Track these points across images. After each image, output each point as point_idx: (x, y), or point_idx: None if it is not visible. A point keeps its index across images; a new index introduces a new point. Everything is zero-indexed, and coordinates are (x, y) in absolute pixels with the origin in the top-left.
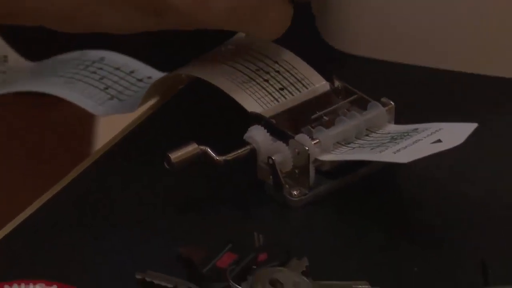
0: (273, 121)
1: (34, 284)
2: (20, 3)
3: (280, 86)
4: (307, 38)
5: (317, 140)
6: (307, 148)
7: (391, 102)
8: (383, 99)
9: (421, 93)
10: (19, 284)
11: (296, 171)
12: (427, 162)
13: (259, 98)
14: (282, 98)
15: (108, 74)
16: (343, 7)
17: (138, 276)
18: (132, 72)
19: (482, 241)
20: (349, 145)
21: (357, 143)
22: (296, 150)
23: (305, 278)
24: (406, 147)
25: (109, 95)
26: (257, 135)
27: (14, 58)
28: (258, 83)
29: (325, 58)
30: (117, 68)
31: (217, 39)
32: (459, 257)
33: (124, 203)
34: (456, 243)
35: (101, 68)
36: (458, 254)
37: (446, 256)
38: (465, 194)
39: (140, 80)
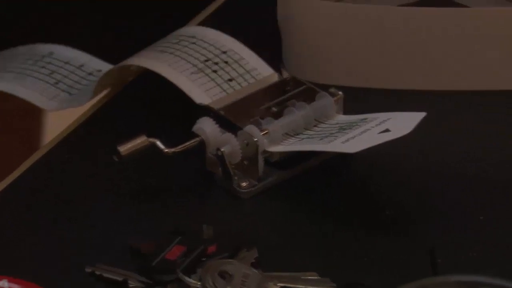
0: (222, 112)
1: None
2: None
3: (229, 77)
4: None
5: (266, 131)
6: (255, 139)
7: (339, 92)
8: (332, 90)
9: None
10: None
11: (245, 162)
12: (377, 151)
13: (207, 90)
14: (231, 89)
15: (58, 69)
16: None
17: (88, 270)
18: (81, 66)
19: (432, 229)
20: (298, 136)
21: (306, 134)
22: (245, 141)
23: (255, 270)
24: (354, 137)
25: (59, 89)
26: (206, 127)
27: None
28: (206, 74)
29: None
30: (67, 62)
31: (166, 30)
32: (408, 246)
33: (74, 196)
34: (405, 232)
35: (50, 63)
36: (407, 243)
37: (395, 245)
38: (414, 182)
39: (90, 74)
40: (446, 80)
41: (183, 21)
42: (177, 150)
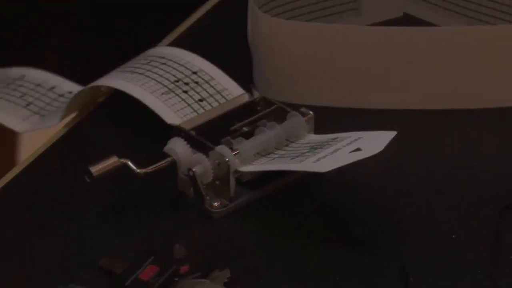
0: (193, 132)
1: None
2: None
3: (200, 98)
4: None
5: (237, 151)
6: (227, 159)
7: (310, 112)
8: (302, 109)
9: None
10: None
11: (217, 182)
12: (348, 170)
13: (178, 110)
14: (202, 109)
15: (29, 91)
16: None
17: None
18: (53, 88)
19: (404, 247)
20: (269, 156)
21: (277, 153)
22: (216, 161)
23: None
24: (325, 156)
25: (30, 111)
26: (177, 147)
27: None
28: (177, 95)
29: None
30: (38, 85)
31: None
32: (381, 264)
33: (45, 216)
34: (378, 250)
35: (22, 85)
36: (380, 261)
37: (368, 264)
38: (385, 201)
39: (61, 95)
40: (416, 99)
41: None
42: (148, 171)
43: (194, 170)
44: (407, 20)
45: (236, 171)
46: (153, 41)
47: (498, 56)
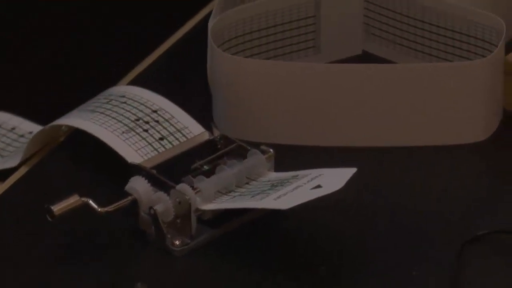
0: (154, 171)
1: None
2: None
3: (160, 136)
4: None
5: (198, 189)
6: (188, 197)
7: (270, 150)
8: (263, 147)
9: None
10: None
11: (178, 220)
12: (308, 207)
13: (139, 149)
14: (162, 148)
15: None
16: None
17: None
18: (13, 128)
19: (365, 284)
20: (230, 194)
21: (238, 191)
22: (177, 199)
23: None
24: (286, 193)
25: None
26: (138, 186)
27: None
28: (137, 133)
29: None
30: None
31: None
32: None
33: (7, 253)
34: (340, 286)
35: None
36: None
37: None
38: (346, 237)
39: (22, 136)
40: (376, 136)
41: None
42: (109, 210)
43: (155, 208)
44: (366, 57)
45: (197, 210)
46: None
47: (446, 94)
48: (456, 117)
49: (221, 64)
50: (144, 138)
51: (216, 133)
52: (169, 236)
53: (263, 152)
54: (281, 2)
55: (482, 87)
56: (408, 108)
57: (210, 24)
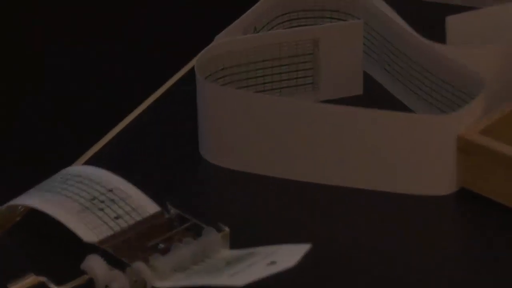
0: (110, 250)
1: None
2: None
3: (115, 215)
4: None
5: (154, 268)
6: (143, 276)
7: (226, 228)
8: (218, 225)
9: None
10: None
11: None
12: (263, 283)
13: (95, 228)
14: (118, 226)
15: None
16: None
17: None
18: None
19: None
20: (186, 271)
21: (194, 269)
22: (134, 278)
23: None
24: (241, 270)
25: None
26: (94, 265)
27: None
28: (93, 213)
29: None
30: None
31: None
32: None
33: None
34: None
35: None
36: None
37: None
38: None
39: None
40: (349, 177)
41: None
42: None
43: (111, 287)
44: (366, 98)
45: None
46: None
47: (415, 144)
48: (423, 168)
49: (206, 95)
50: (100, 217)
51: (172, 211)
52: None
53: (219, 229)
54: (280, 37)
55: (450, 142)
56: (380, 154)
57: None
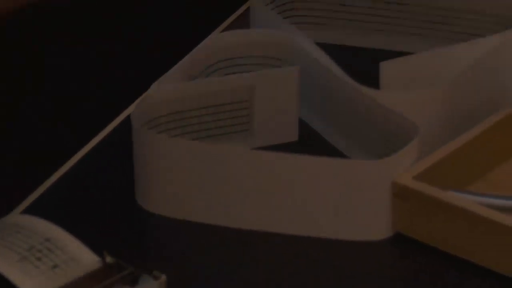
0: None
1: None
2: None
3: (53, 264)
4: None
5: None
6: None
7: (163, 275)
8: (155, 273)
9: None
10: None
11: None
12: None
13: (33, 277)
14: (56, 275)
15: None
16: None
17: None
18: None
19: None
20: None
21: None
22: None
23: None
24: None
25: None
26: None
27: None
28: (31, 262)
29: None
30: None
31: None
32: None
33: None
34: None
35: None
36: None
37: None
38: None
39: None
40: (281, 223)
41: None
42: None
43: None
44: (303, 145)
45: None
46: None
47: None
48: (358, 214)
49: (143, 143)
50: (37, 267)
51: (109, 259)
52: None
53: (155, 277)
54: (216, 85)
55: (385, 187)
56: (315, 200)
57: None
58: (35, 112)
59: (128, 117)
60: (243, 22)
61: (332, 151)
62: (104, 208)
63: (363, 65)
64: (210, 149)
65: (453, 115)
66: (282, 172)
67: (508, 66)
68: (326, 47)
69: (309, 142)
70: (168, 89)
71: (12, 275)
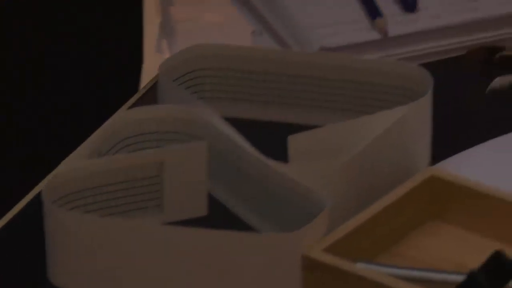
0: None
1: None
2: None
3: None
4: None
5: None
6: None
7: None
8: None
9: None
10: None
11: None
12: None
13: None
14: None
15: None
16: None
17: None
18: None
19: None
20: None
21: None
22: None
23: None
24: None
25: None
26: None
27: None
28: None
29: None
30: None
31: None
32: None
33: None
34: None
35: None
36: None
37: None
38: None
39: None
40: None
41: None
42: None
43: None
44: (213, 220)
45: None
46: None
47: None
48: (269, 287)
49: (53, 217)
50: None
51: None
52: None
53: None
54: (125, 161)
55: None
56: (225, 274)
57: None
58: None
59: (39, 194)
60: (151, 98)
61: (242, 225)
62: (15, 285)
63: (272, 139)
64: (120, 225)
65: (361, 186)
66: (192, 247)
67: (413, 138)
68: (234, 122)
69: (219, 217)
70: (78, 166)
71: None
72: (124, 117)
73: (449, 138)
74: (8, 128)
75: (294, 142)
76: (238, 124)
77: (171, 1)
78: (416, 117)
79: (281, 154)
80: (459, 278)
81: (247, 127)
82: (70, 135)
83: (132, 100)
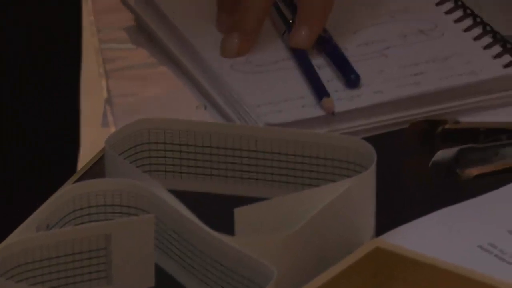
0: None
1: None
2: None
3: None
4: None
5: None
6: None
7: None
8: None
9: None
10: None
11: None
12: None
13: None
14: None
15: None
16: None
17: None
18: None
19: None
20: None
21: None
22: None
23: None
24: None
25: None
26: None
27: None
28: None
29: None
30: None
31: None
32: None
33: None
34: None
35: None
36: None
37: None
38: None
39: None
40: None
41: None
42: None
43: None
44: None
45: None
46: None
47: None
48: None
49: None
50: None
51: None
52: None
53: None
54: (73, 234)
55: None
56: None
57: None
58: None
59: None
60: (99, 171)
61: None
62: None
63: (217, 211)
64: None
65: (307, 259)
66: None
67: (357, 210)
68: (180, 195)
69: None
70: (26, 239)
71: None
72: (72, 191)
73: (393, 210)
74: None
75: (240, 214)
76: (184, 197)
77: (113, 75)
78: (361, 190)
79: (227, 227)
80: None
81: (192, 200)
82: None
83: (80, 173)
